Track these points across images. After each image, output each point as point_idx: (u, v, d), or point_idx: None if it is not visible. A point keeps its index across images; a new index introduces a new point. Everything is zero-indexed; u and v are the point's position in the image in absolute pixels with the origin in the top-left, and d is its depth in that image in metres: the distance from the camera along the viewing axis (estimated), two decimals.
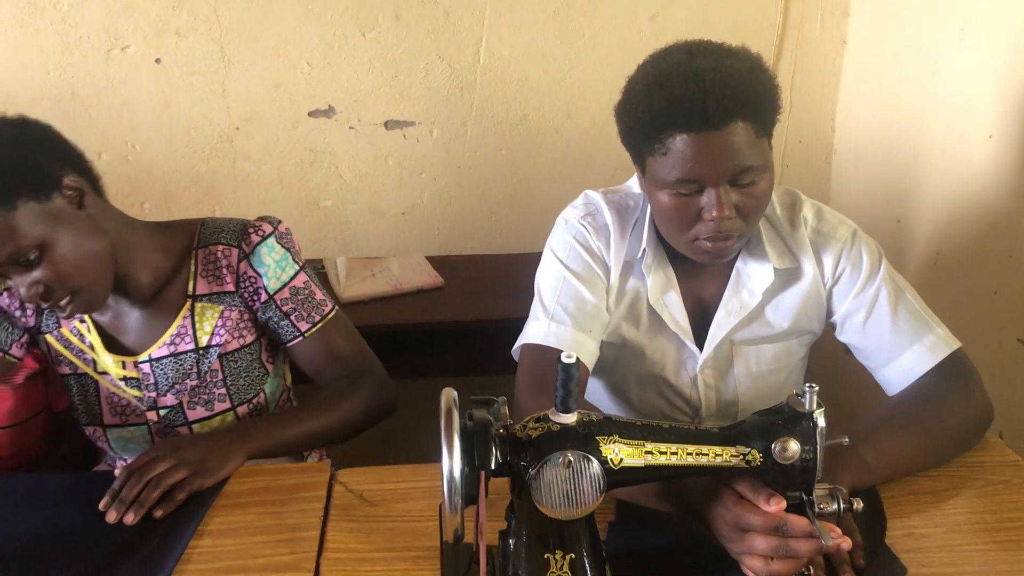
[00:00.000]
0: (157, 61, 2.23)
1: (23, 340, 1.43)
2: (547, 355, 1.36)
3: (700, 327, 1.45)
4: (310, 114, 2.32)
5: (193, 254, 1.44)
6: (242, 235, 1.44)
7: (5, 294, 1.42)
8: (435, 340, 2.18)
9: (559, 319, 1.39)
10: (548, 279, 1.44)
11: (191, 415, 1.46)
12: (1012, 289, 1.75)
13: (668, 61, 1.23)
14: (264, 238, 1.44)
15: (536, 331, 1.40)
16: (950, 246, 1.96)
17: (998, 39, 1.75)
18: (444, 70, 2.32)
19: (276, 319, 1.46)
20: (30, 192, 1.23)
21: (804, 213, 1.43)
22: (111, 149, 2.29)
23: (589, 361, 1.39)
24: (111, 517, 1.17)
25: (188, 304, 1.43)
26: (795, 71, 2.42)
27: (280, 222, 1.48)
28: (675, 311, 1.44)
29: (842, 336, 1.45)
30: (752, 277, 1.42)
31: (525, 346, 1.41)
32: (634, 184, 1.49)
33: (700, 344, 1.45)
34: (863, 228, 1.46)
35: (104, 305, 1.39)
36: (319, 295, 1.50)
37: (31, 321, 1.44)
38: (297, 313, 1.46)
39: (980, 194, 1.83)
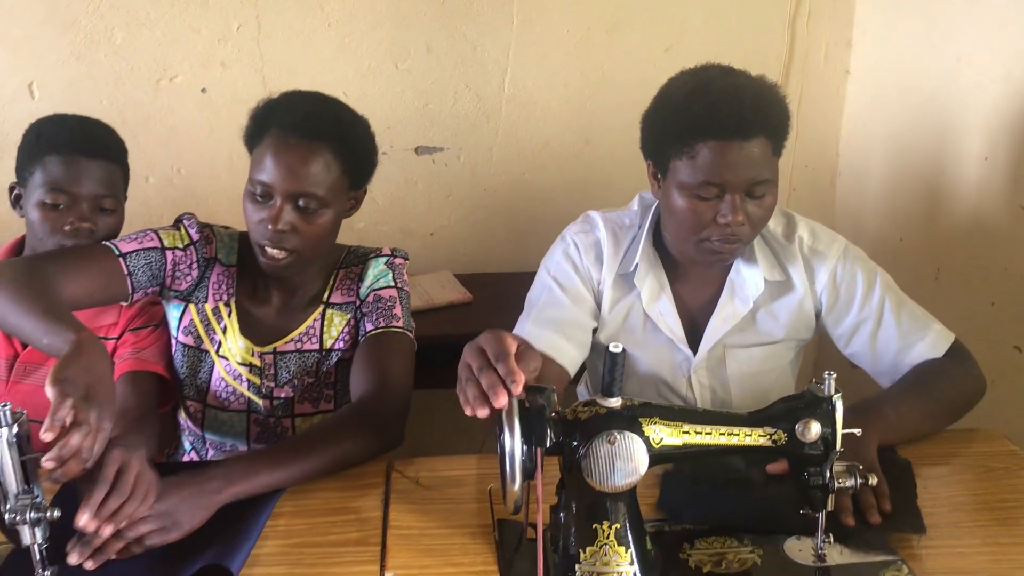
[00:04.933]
0: (203, 91, 2.38)
1: (148, 291, 1.54)
2: None
3: (692, 331, 1.58)
4: None
5: (335, 272, 1.61)
6: (367, 253, 1.63)
7: (175, 251, 1.54)
8: None
9: (540, 324, 1.52)
10: (536, 289, 1.60)
11: (298, 409, 1.60)
12: (1008, 300, 1.87)
13: (706, 75, 1.39)
14: (377, 256, 1.62)
15: (517, 332, 1.49)
16: (950, 261, 2.09)
17: (991, 68, 1.89)
18: (471, 99, 2.47)
19: (359, 321, 1.58)
20: (354, 175, 1.51)
21: (800, 232, 1.57)
22: (158, 173, 2.43)
23: (570, 366, 1.52)
24: (72, 559, 1.15)
25: (320, 309, 1.59)
26: (801, 100, 2.56)
27: (403, 255, 1.65)
28: (668, 318, 1.57)
29: (850, 347, 1.57)
30: (744, 286, 1.55)
31: None
32: (632, 205, 1.63)
33: (693, 347, 1.58)
34: (867, 247, 1.62)
35: (294, 278, 1.56)
36: (398, 312, 1.58)
37: (182, 287, 1.56)
38: (371, 316, 1.57)
39: (976, 212, 1.97)
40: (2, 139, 2.33)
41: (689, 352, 1.58)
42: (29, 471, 1.12)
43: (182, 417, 1.67)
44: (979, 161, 1.94)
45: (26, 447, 1.12)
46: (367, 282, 1.60)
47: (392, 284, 1.60)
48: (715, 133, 1.36)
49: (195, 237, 1.57)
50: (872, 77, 2.45)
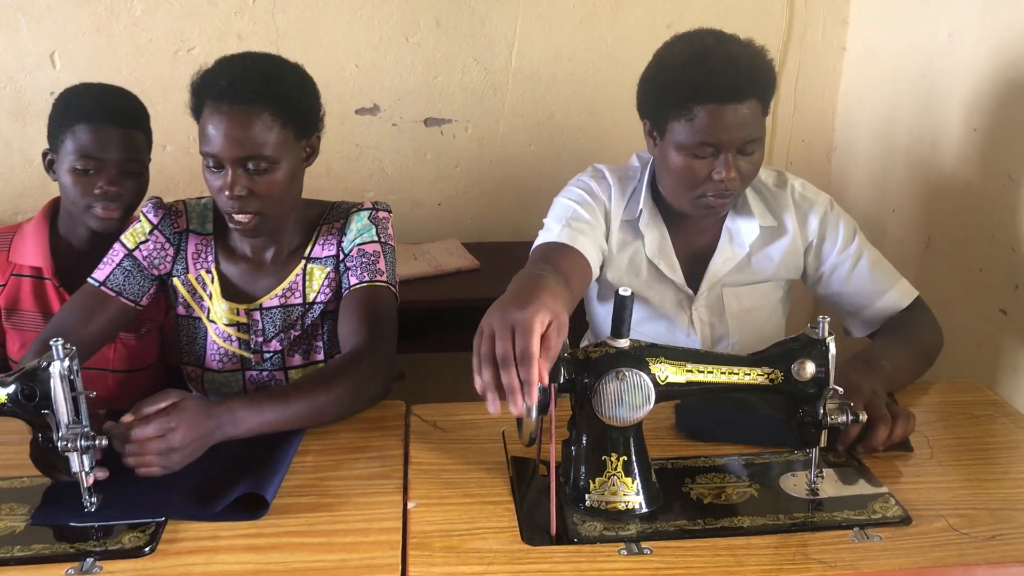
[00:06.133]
0: None
1: (151, 291, 1.64)
2: (553, 247, 1.57)
3: (691, 273, 1.71)
4: (357, 112, 2.54)
5: (319, 227, 1.66)
6: (350, 208, 1.67)
7: (142, 247, 1.62)
8: (474, 316, 2.37)
9: (570, 226, 1.60)
10: (556, 210, 1.67)
11: (289, 362, 1.67)
12: (995, 266, 1.96)
13: (701, 43, 1.50)
14: (360, 210, 1.66)
15: (547, 235, 1.60)
16: (940, 231, 2.18)
17: (982, 43, 1.97)
18: (479, 72, 2.54)
19: (342, 274, 1.63)
20: (298, 127, 1.50)
21: (792, 182, 1.71)
22: (175, 142, 2.50)
23: (592, 260, 1.59)
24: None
25: (302, 264, 1.64)
26: (798, 75, 2.64)
27: (386, 209, 1.68)
28: (671, 262, 1.69)
29: (826, 288, 1.71)
30: (741, 232, 1.68)
31: (535, 248, 1.61)
32: (632, 162, 1.75)
33: (693, 287, 1.71)
34: (860, 218, 1.76)
35: (265, 237, 1.61)
36: (382, 266, 1.61)
37: (166, 268, 1.64)
38: (355, 270, 1.61)
39: (966, 182, 2.05)
40: (25, 107, 2.41)
41: (690, 291, 1.71)
42: (80, 407, 1.21)
43: (188, 384, 1.75)
44: (969, 133, 2.02)
45: (76, 383, 1.21)
46: (350, 236, 1.63)
47: (376, 239, 1.64)
48: (712, 97, 1.47)
49: (155, 220, 1.64)
50: (867, 54, 2.53)
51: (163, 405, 1.28)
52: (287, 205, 1.56)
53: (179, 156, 2.51)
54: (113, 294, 1.59)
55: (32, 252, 1.78)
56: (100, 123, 1.69)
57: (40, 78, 2.39)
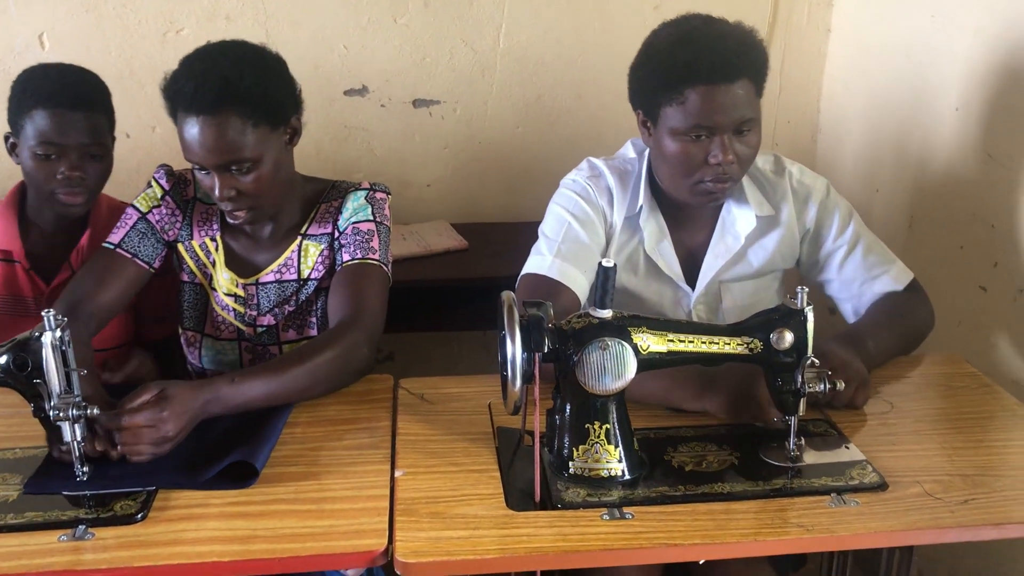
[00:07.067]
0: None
1: (163, 254, 1.66)
2: (545, 283, 1.57)
3: (689, 270, 1.69)
4: (345, 93, 2.55)
5: (318, 206, 1.68)
6: (349, 188, 1.68)
7: (155, 211, 1.64)
8: (461, 296, 2.40)
9: (561, 256, 1.59)
10: (552, 224, 1.65)
11: (283, 336, 1.69)
12: (975, 244, 1.98)
13: (688, 25, 1.49)
14: (357, 190, 1.67)
15: (539, 264, 1.60)
16: (922, 210, 2.21)
17: (964, 25, 2.00)
18: (467, 53, 2.55)
19: (336, 251, 1.65)
20: (270, 119, 1.49)
21: (789, 168, 1.69)
22: (164, 123, 2.44)
23: (581, 295, 1.59)
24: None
25: (298, 241, 1.66)
26: (784, 57, 2.66)
27: (384, 190, 1.69)
28: (668, 259, 1.67)
29: (822, 274, 1.70)
30: (736, 223, 1.66)
31: (525, 276, 1.62)
32: (627, 152, 1.72)
33: (691, 284, 1.69)
34: (846, 198, 1.74)
35: (263, 224, 1.63)
36: (376, 245, 1.62)
37: (175, 234, 1.66)
38: (348, 247, 1.62)
39: (948, 162, 2.08)
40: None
41: (688, 288, 1.68)
42: (72, 378, 1.23)
43: (186, 349, 1.77)
44: (951, 112, 2.05)
45: (68, 354, 1.22)
46: (345, 215, 1.65)
47: (371, 218, 1.65)
48: (702, 78, 1.45)
49: (167, 186, 1.66)
50: (852, 35, 2.55)
51: (147, 397, 1.30)
52: (279, 190, 1.58)
53: (168, 137, 2.48)
54: (129, 256, 1.61)
55: (1, 235, 1.77)
56: (59, 107, 1.65)
57: (29, 59, 2.37)
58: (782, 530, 1.17)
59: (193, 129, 1.45)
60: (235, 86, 1.45)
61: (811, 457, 1.31)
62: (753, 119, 1.50)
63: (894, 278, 1.65)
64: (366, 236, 1.63)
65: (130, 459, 1.28)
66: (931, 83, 2.13)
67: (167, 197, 1.66)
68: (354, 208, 1.65)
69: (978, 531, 1.18)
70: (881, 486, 1.24)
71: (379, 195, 1.68)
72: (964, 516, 1.18)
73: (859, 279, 1.66)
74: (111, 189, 1.83)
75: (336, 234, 1.66)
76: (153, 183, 1.67)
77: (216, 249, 1.67)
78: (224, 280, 1.67)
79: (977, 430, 1.40)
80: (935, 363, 1.61)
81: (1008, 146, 1.85)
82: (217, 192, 1.49)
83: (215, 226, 1.67)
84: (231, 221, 1.58)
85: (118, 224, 1.64)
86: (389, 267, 1.66)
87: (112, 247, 1.62)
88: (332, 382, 1.49)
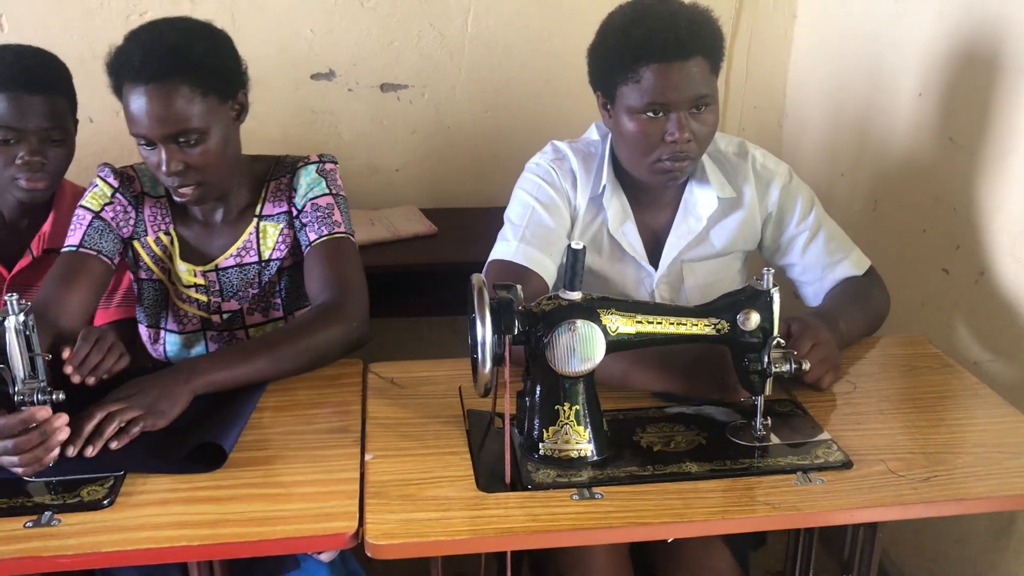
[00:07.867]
0: None
1: (121, 250, 1.64)
2: (511, 269, 1.59)
3: (652, 250, 1.71)
4: (312, 77, 2.53)
5: (267, 184, 1.66)
6: (295, 162, 1.67)
7: (107, 208, 1.62)
8: (430, 281, 2.40)
9: (526, 241, 1.61)
10: (517, 209, 1.66)
11: (249, 320, 1.68)
12: (937, 227, 2.01)
13: (643, 4, 1.52)
14: (306, 164, 1.66)
15: (505, 250, 1.61)
16: (886, 194, 2.23)
17: (927, 11, 2.02)
18: (435, 37, 2.54)
19: (298, 231, 1.65)
20: (220, 91, 1.47)
21: (752, 152, 1.72)
22: None
23: (549, 280, 1.61)
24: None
25: (255, 223, 1.65)
26: (750, 43, 2.68)
27: (332, 160, 1.69)
28: (632, 239, 1.68)
29: (784, 258, 1.73)
30: (698, 205, 1.68)
31: (492, 262, 1.63)
32: (591, 134, 1.74)
33: (654, 264, 1.70)
34: (810, 183, 1.78)
35: (210, 202, 1.61)
36: (338, 218, 1.63)
37: (127, 231, 1.64)
38: (312, 225, 1.62)
39: (911, 146, 2.10)
40: None
41: (651, 268, 1.70)
42: (36, 363, 1.22)
43: (149, 345, 1.75)
44: (913, 97, 2.07)
45: (33, 339, 1.21)
46: (301, 191, 1.64)
47: (327, 191, 1.65)
48: (656, 56, 1.47)
49: (115, 184, 1.63)
50: (818, 21, 2.57)
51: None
52: (226, 168, 1.56)
53: None
54: (93, 253, 1.58)
55: None
56: (16, 91, 1.61)
57: None
58: (749, 508, 1.19)
59: (140, 99, 1.42)
60: (184, 54, 1.44)
61: (777, 437, 1.33)
62: (709, 95, 1.51)
63: (854, 264, 1.69)
64: (326, 211, 1.63)
65: (130, 431, 1.29)
66: (894, 69, 2.16)
67: (117, 194, 1.63)
68: (308, 184, 1.64)
69: (940, 507, 1.20)
70: (846, 464, 1.26)
71: (329, 166, 1.68)
72: (927, 492, 1.20)
73: (821, 264, 1.69)
74: (75, 175, 1.81)
75: (294, 212, 1.65)
76: (100, 182, 1.64)
77: (171, 243, 1.65)
78: (183, 272, 1.65)
79: (939, 409, 1.42)
80: (898, 344, 1.64)
81: (970, 130, 1.88)
82: (164, 167, 1.46)
83: (167, 219, 1.65)
84: (177, 199, 1.54)
85: (72, 227, 1.61)
86: (354, 236, 1.66)
87: (74, 248, 1.58)
88: (330, 354, 1.51)
